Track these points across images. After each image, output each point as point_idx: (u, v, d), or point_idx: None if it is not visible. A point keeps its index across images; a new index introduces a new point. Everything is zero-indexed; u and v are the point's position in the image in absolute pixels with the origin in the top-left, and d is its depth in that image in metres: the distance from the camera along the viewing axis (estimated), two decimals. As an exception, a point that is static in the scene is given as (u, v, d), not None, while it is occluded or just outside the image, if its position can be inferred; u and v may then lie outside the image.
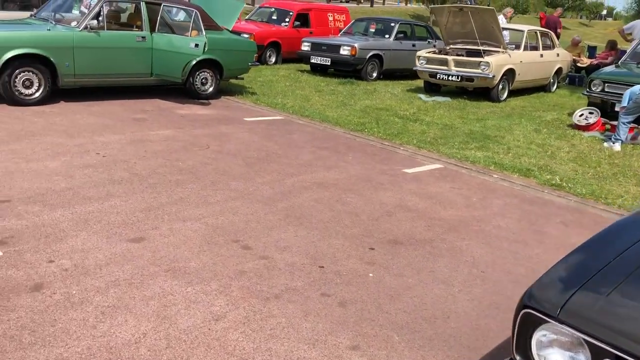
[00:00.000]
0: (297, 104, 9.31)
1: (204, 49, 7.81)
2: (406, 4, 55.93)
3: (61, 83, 7.49)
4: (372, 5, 46.99)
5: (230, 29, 9.29)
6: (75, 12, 8.17)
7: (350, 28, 14.44)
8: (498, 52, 11.06)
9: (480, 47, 11.12)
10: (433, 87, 11.74)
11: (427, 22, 21.60)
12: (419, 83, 12.63)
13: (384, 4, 53.37)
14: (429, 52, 11.51)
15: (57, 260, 3.47)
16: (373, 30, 13.87)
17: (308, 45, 13.11)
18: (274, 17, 15.06)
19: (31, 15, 8.36)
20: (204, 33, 7.96)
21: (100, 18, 7.64)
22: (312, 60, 12.91)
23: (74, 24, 7.62)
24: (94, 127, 6.64)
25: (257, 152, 6.32)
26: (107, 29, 7.77)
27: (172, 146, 6.18)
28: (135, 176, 5.10)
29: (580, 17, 71.19)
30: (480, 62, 10.64)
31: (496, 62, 10.69)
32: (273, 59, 14.03)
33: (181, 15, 9.14)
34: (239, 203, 4.72)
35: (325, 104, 9.66)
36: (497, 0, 48.16)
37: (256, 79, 11.32)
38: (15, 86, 7.13)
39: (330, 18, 15.97)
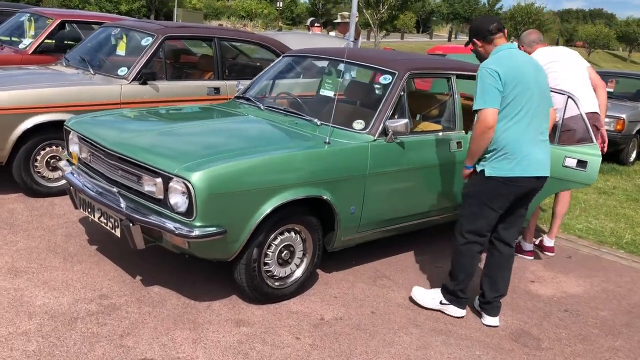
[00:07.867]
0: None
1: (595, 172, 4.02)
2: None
3: (335, 244, 3.72)
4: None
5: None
6: (328, 92, 4.35)
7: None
8: None
9: None
10: None
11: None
12: None
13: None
14: None
15: None
16: (611, 90, 9.98)
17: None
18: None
19: (237, 97, 4.62)
20: (594, 140, 4.11)
21: (400, 113, 3.90)
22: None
23: (359, 125, 3.85)
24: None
25: None
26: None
27: None
28: None
29: None
30: None
31: None
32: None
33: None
34: None
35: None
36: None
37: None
38: (267, 264, 3.39)
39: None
